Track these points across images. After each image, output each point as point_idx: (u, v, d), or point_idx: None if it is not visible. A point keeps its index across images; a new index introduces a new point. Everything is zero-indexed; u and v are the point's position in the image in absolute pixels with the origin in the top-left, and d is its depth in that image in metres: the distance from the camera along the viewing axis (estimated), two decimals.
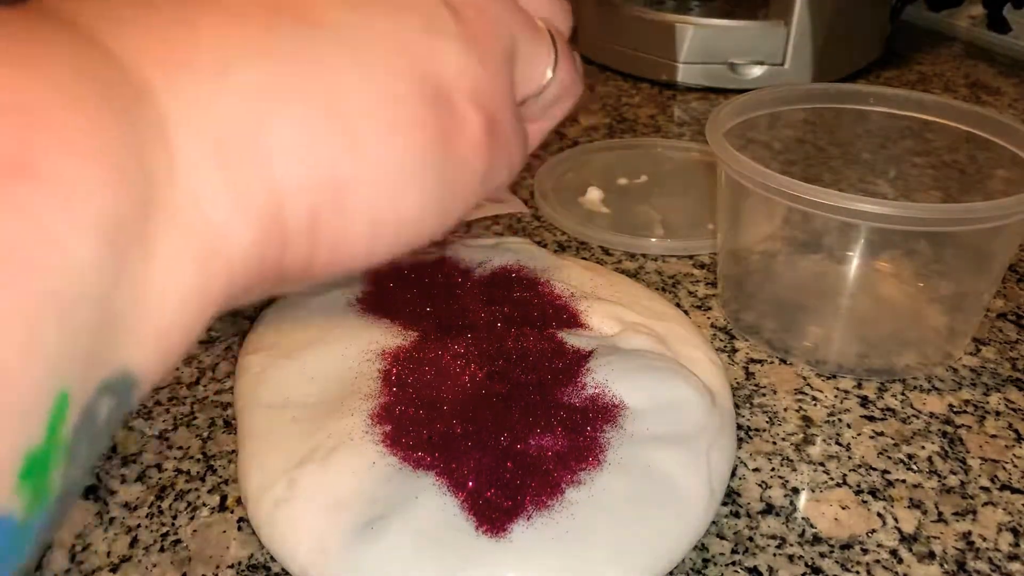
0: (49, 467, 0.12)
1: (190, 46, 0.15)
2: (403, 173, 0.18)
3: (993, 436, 0.36)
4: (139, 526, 0.32)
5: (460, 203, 0.20)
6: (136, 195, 0.13)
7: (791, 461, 0.35)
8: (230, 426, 0.37)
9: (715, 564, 0.30)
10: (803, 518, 0.32)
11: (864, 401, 0.38)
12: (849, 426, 0.36)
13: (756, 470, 0.34)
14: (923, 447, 0.35)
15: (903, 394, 0.38)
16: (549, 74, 0.24)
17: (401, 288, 0.40)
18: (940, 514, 0.32)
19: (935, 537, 0.31)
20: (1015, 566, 0.30)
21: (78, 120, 0.13)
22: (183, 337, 0.15)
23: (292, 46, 0.17)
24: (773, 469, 0.34)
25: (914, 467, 0.34)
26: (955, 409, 0.37)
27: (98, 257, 0.13)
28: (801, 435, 0.36)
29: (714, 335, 0.42)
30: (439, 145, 0.19)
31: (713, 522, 0.31)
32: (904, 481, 0.34)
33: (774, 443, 0.36)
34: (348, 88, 0.17)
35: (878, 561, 0.30)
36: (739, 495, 0.33)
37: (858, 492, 0.33)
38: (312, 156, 0.17)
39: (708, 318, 0.44)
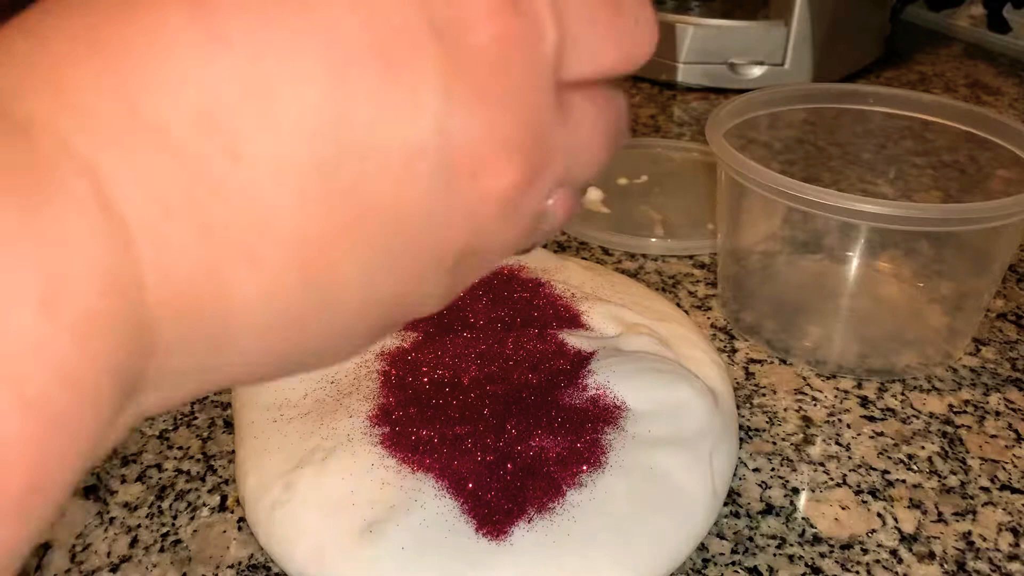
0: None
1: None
2: None
3: (993, 436, 0.36)
4: (139, 526, 0.32)
5: None
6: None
7: (791, 461, 0.35)
8: (230, 426, 0.37)
9: (715, 564, 0.30)
10: (803, 518, 0.32)
11: (864, 401, 0.38)
12: (849, 426, 0.36)
13: (756, 470, 0.34)
14: (923, 447, 0.35)
15: (903, 394, 0.38)
16: None
17: None
18: (940, 514, 0.32)
19: (935, 537, 0.31)
20: (1015, 566, 0.30)
21: None
22: None
23: None
24: (773, 469, 0.34)
25: (914, 467, 0.34)
26: (955, 409, 0.37)
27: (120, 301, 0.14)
28: (801, 435, 0.36)
29: (714, 335, 0.42)
30: None
31: (713, 522, 0.31)
32: (904, 481, 0.34)
33: (774, 443, 0.36)
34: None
35: (878, 561, 0.30)
36: (739, 495, 0.33)
37: (858, 492, 0.33)
38: None
39: (708, 318, 0.44)
